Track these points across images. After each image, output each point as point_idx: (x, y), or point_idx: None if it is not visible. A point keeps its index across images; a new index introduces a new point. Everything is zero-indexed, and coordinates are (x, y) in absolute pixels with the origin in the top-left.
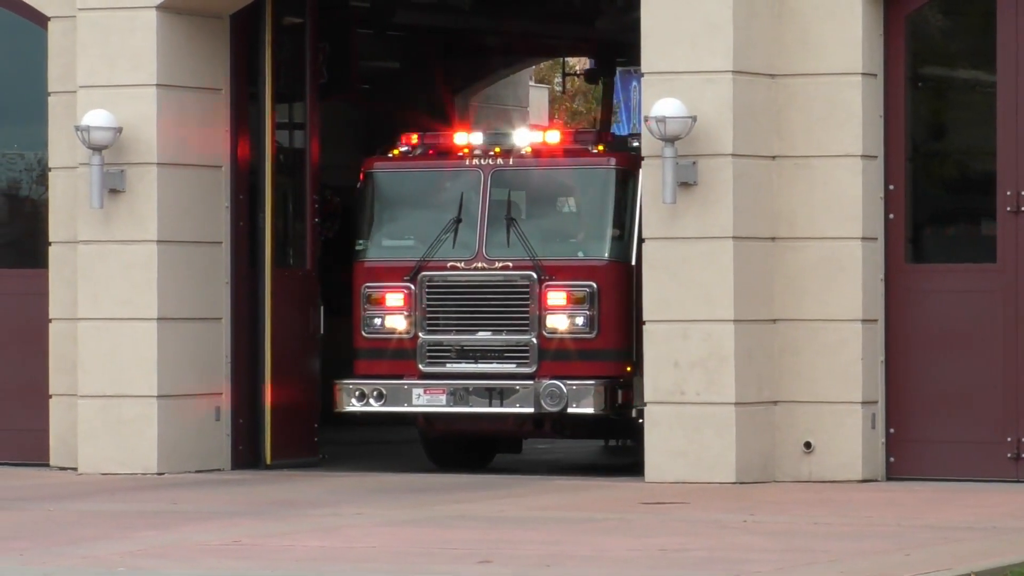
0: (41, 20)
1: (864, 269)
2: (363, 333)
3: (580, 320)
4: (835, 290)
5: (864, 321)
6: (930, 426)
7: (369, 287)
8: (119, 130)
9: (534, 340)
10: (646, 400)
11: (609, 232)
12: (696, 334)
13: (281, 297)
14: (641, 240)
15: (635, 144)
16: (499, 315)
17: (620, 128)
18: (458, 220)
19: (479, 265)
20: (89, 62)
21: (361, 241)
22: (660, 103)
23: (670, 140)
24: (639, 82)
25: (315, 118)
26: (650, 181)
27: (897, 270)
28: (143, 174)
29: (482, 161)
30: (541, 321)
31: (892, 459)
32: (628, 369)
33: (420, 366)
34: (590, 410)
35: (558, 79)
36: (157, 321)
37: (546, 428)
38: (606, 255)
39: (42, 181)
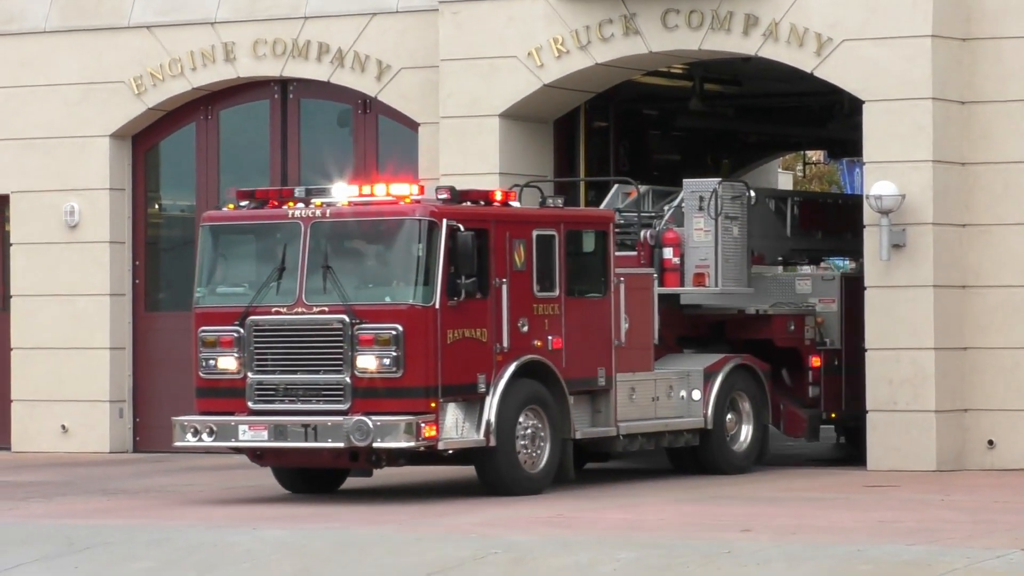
0: (413, 126)
1: None
2: (200, 374)
3: (387, 360)
4: (1011, 325)
5: None
6: None
7: (204, 331)
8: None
9: (347, 379)
10: (867, 408)
11: (415, 278)
12: (905, 359)
13: None
14: (457, 285)
15: (442, 197)
16: (317, 356)
17: None
18: (282, 268)
19: (299, 310)
20: (449, 156)
21: (199, 288)
22: (877, 184)
23: (885, 212)
24: (861, 169)
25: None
26: (870, 243)
27: None
28: None
29: (303, 213)
30: (353, 361)
31: None
32: (433, 405)
33: (249, 404)
34: (396, 444)
35: (799, 167)
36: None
37: (361, 460)
38: (411, 300)
39: None
